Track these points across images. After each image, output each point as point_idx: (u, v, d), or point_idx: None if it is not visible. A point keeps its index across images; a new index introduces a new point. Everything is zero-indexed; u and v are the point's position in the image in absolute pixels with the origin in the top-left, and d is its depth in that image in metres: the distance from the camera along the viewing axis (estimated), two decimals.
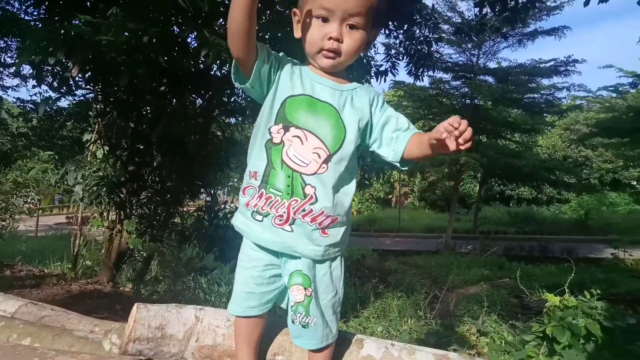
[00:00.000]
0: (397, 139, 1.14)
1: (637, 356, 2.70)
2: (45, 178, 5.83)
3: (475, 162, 11.77)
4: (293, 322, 1.15)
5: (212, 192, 5.57)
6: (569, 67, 12.58)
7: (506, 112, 14.20)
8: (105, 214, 5.09)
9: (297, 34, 1.14)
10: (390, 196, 24.66)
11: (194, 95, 5.18)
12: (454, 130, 0.96)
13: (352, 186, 1.14)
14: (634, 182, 21.26)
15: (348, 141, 1.10)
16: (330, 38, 1.07)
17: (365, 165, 5.94)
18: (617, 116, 13.98)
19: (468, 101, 13.80)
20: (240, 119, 5.83)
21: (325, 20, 1.08)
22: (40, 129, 5.57)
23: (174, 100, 4.68)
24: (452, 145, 0.98)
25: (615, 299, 5.99)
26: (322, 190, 1.08)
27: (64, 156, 5.58)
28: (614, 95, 15.52)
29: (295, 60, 1.18)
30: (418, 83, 7.93)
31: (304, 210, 1.07)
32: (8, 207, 5.73)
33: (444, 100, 14.20)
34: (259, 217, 1.10)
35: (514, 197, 21.97)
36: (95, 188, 4.19)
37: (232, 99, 5.46)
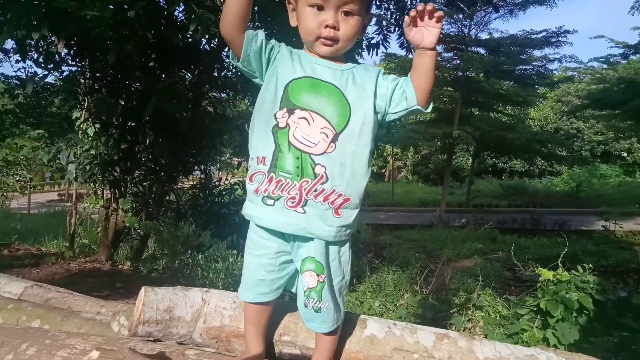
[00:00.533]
0: (405, 88, 1.15)
1: (627, 328, 2.78)
2: (37, 157, 5.75)
3: (467, 135, 11.79)
4: (306, 306, 1.17)
5: (205, 169, 5.54)
6: (560, 38, 12.55)
7: (498, 84, 14.19)
8: (100, 192, 5.06)
9: (293, 22, 1.16)
10: (384, 170, 24.76)
11: (183, 71, 5.09)
12: (414, 16, 1.06)
13: (365, 167, 1.13)
14: (625, 154, 21.50)
15: (354, 119, 1.10)
16: (327, 26, 1.09)
17: None
18: (608, 87, 13.97)
19: (460, 73, 13.74)
20: (231, 94, 5.75)
21: (320, 8, 1.08)
22: (28, 105, 5.45)
23: (164, 76, 4.60)
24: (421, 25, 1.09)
25: (606, 270, 6.12)
26: (333, 169, 1.08)
27: (54, 133, 5.48)
28: (605, 66, 15.50)
29: (292, 49, 1.18)
30: (410, 55, 7.84)
31: (315, 190, 1.07)
32: (0, 185, 5.66)
33: (435, 72, 14.08)
34: (270, 202, 1.09)
35: (506, 170, 22.16)
36: (88, 167, 4.16)
37: (222, 74, 5.38)
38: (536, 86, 15.22)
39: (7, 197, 6.84)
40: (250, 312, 1.22)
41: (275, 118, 1.09)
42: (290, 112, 1.08)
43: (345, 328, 1.24)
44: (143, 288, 1.28)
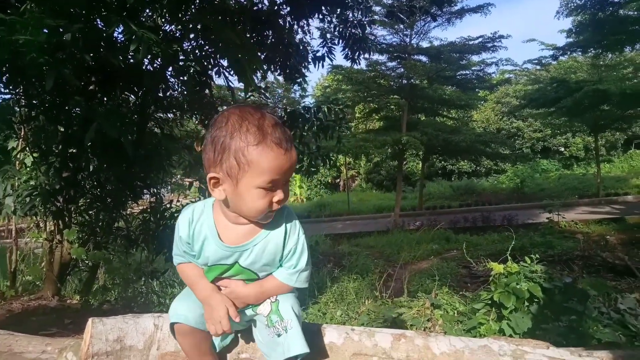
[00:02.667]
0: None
1: (574, 311, 2.93)
2: None
3: (415, 140, 12.13)
4: (272, 337, 1.12)
5: (155, 191, 5.38)
6: (495, 43, 13.19)
7: (441, 90, 14.74)
8: (42, 224, 4.79)
9: (221, 196, 1.09)
10: (338, 180, 25.00)
11: (126, 93, 4.94)
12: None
13: None
14: (562, 149, 22.80)
15: (261, 273, 1.18)
16: (279, 201, 1.08)
17: (311, 152, 5.97)
18: (542, 87, 14.85)
19: (404, 81, 14.15)
20: (178, 113, 5.64)
21: (272, 189, 1.06)
22: None
23: (106, 100, 4.45)
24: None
25: (553, 259, 6.44)
26: None
27: None
28: (539, 67, 16.49)
29: (200, 220, 1.17)
30: (355, 66, 8.03)
31: None
32: None
33: (381, 81, 14.47)
34: None
35: (455, 172, 22.94)
36: (28, 199, 3.92)
37: (167, 94, 5.27)
38: (477, 89, 15.91)
39: None
40: (179, 335, 1.17)
41: None
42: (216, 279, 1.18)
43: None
44: (90, 319, 1.23)
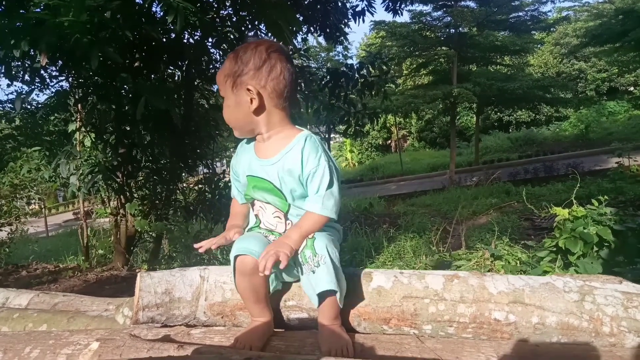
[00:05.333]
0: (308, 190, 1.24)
1: None
2: (39, 174, 5.76)
3: (467, 92, 11.58)
4: (308, 275, 1.14)
5: (208, 163, 5.51)
6: None
7: (493, 36, 13.82)
8: (106, 201, 5.06)
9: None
10: (389, 141, 24.58)
11: (171, 68, 5.02)
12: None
13: None
14: (631, 88, 20.97)
15: (293, 201, 1.24)
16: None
17: (357, 111, 5.84)
18: (606, 21, 13.52)
19: (452, 30, 13.42)
20: None
21: None
22: (25, 127, 5.46)
23: (151, 76, 4.54)
24: None
25: (624, 205, 6.00)
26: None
27: (54, 152, 5.49)
28: (601, 0, 15.05)
29: (246, 146, 1.33)
30: (398, 19, 7.71)
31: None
32: (11, 210, 5.70)
33: (427, 33, 13.80)
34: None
35: (512, 123, 21.78)
36: (90, 176, 4.14)
37: (210, 66, 5.30)
38: (532, 32, 14.81)
39: (21, 222, 6.88)
40: (239, 273, 1.18)
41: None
42: (252, 203, 1.32)
43: (350, 284, 1.20)
44: (139, 274, 1.25)
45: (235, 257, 1.16)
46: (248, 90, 1.17)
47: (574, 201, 3.15)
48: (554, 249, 3.05)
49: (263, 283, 1.19)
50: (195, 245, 1.31)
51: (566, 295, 1.12)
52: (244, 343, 1.10)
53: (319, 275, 1.11)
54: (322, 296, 1.13)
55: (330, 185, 1.18)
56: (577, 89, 19.64)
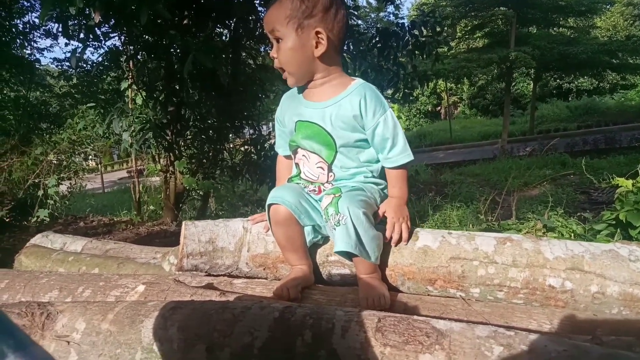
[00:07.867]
0: (378, 147, 1.24)
1: None
2: (94, 130, 6.02)
3: (526, 56, 10.89)
4: (332, 231, 1.14)
5: (254, 124, 5.53)
6: None
7: None
8: (157, 158, 5.22)
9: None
10: (439, 108, 23.83)
11: (219, 26, 5.00)
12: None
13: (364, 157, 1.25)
14: None
15: (341, 149, 1.21)
16: (273, 58, 1.21)
17: (407, 73, 5.62)
18: None
19: None
20: (268, 44, 5.61)
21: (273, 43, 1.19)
22: (81, 85, 5.67)
23: (200, 34, 4.55)
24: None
25: None
26: (337, 179, 1.26)
27: (108, 110, 5.68)
28: None
29: (295, 94, 1.29)
30: None
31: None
32: (70, 165, 6.00)
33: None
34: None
35: (572, 90, 20.45)
36: (141, 133, 4.26)
37: (258, 25, 5.24)
38: None
39: (79, 177, 7.24)
40: (274, 222, 1.17)
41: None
42: (295, 151, 1.29)
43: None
44: (183, 222, 1.27)
45: (269, 205, 1.17)
46: (317, 33, 1.12)
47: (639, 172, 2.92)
48: (614, 222, 2.87)
49: (299, 232, 1.19)
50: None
51: (632, 264, 1.03)
52: (282, 292, 1.09)
53: (337, 234, 1.10)
54: (345, 254, 1.13)
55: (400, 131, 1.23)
56: None
